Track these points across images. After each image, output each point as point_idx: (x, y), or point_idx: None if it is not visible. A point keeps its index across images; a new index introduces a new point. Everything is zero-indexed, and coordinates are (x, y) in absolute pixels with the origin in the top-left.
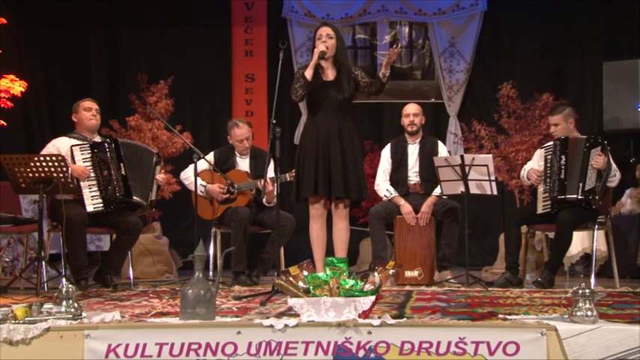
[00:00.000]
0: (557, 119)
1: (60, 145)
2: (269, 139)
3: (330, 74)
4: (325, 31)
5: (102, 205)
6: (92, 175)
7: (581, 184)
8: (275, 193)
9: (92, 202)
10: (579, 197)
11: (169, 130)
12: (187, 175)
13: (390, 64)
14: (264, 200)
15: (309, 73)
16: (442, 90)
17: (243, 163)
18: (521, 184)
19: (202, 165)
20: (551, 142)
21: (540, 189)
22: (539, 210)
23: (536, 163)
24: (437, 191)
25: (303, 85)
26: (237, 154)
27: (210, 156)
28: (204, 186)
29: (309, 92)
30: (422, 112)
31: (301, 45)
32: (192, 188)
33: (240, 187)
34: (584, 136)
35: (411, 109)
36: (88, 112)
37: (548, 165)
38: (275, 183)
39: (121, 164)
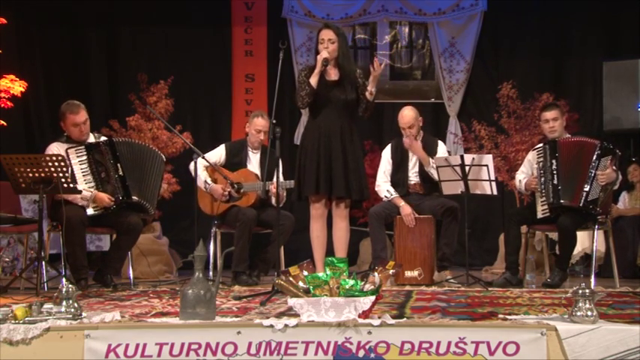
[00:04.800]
0: (556, 114)
1: (55, 151)
2: (269, 139)
3: (332, 74)
4: (327, 35)
5: (101, 207)
6: (90, 177)
7: (584, 193)
8: (284, 195)
9: (92, 204)
10: (580, 205)
11: (169, 130)
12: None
13: (375, 83)
14: (272, 200)
15: (314, 81)
16: (442, 90)
17: (255, 158)
18: None
19: (210, 160)
20: (540, 145)
21: (537, 194)
22: (539, 215)
23: (529, 167)
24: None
25: (309, 93)
26: (250, 149)
27: (222, 148)
28: (209, 184)
29: None
30: (417, 117)
31: (301, 45)
32: (197, 181)
33: (247, 189)
34: (597, 142)
35: (404, 122)
36: (75, 127)
37: (541, 170)
38: (280, 187)
39: (118, 164)
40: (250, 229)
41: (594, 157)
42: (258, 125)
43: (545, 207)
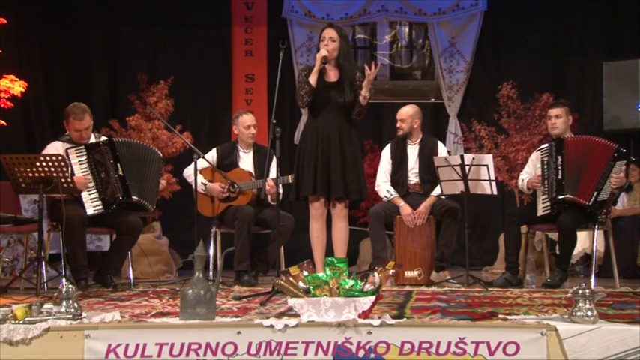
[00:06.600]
0: (560, 111)
1: (54, 151)
2: (269, 139)
3: (332, 75)
4: (329, 33)
5: (101, 207)
6: (90, 178)
7: (595, 193)
8: (280, 191)
9: (92, 204)
10: (589, 204)
11: (169, 130)
12: (189, 172)
13: (369, 87)
14: (268, 199)
15: (313, 79)
16: (442, 90)
17: (247, 158)
18: None
19: (205, 163)
20: (546, 145)
21: (539, 192)
22: (540, 213)
23: (532, 167)
24: (436, 192)
25: (308, 92)
26: (241, 149)
27: (213, 152)
28: (205, 184)
29: None
30: (414, 116)
31: (301, 45)
32: (196, 181)
33: (242, 187)
34: (614, 145)
35: (399, 114)
36: (77, 132)
37: (545, 167)
38: (276, 184)
39: (118, 165)
40: (249, 226)
41: (610, 160)
42: (245, 122)
43: (547, 204)
